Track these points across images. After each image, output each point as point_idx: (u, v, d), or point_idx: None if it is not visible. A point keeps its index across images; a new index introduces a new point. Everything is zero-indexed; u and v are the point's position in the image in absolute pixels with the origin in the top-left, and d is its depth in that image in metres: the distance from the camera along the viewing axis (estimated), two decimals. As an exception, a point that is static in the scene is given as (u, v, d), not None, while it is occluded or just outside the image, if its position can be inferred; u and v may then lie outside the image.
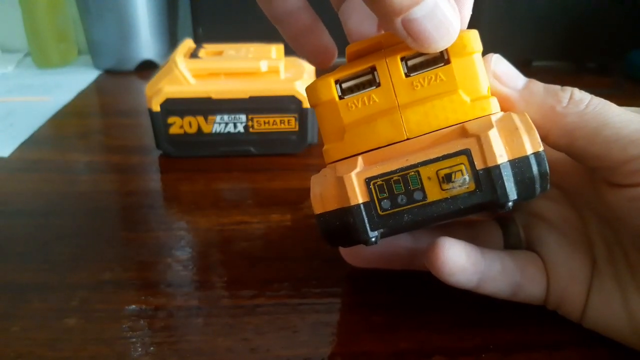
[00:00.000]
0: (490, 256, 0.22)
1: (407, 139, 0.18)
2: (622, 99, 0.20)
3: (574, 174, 0.22)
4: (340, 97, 0.19)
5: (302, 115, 0.38)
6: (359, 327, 0.23)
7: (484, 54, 0.19)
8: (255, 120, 0.38)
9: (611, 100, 0.19)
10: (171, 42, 0.66)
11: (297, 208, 0.33)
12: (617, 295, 0.21)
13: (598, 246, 0.22)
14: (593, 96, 0.19)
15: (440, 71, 0.18)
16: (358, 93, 0.19)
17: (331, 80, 0.19)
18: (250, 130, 0.39)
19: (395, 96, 0.19)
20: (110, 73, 0.64)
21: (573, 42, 0.59)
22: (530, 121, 0.18)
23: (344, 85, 0.19)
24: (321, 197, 0.19)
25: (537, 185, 0.17)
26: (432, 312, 0.24)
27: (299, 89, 0.38)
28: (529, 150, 0.17)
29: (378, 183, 0.18)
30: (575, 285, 0.22)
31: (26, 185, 0.36)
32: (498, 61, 0.20)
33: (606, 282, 0.21)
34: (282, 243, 0.29)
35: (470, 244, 0.21)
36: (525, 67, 0.21)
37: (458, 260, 0.20)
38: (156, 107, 0.37)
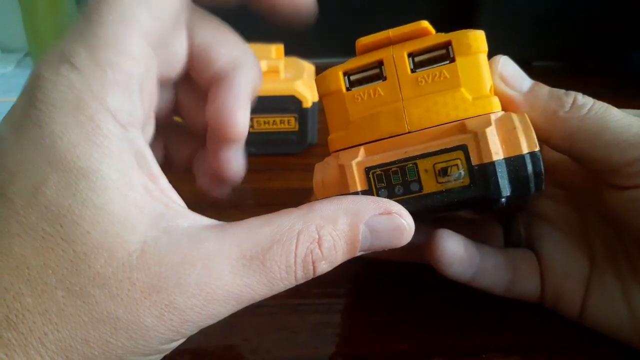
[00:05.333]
0: (485, 251, 0.22)
1: (409, 132, 0.19)
2: (622, 100, 0.20)
3: (577, 174, 0.22)
4: (348, 89, 0.20)
5: (302, 115, 0.38)
6: (359, 327, 0.23)
7: (484, 54, 0.19)
8: (255, 120, 0.38)
9: (611, 101, 0.19)
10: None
11: (297, 208, 0.33)
12: (618, 292, 0.21)
13: (598, 245, 0.22)
14: (596, 101, 0.19)
15: (444, 69, 0.19)
16: (365, 86, 0.19)
17: (339, 72, 0.20)
18: (250, 130, 0.38)
19: (400, 91, 0.19)
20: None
21: (573, 42, 0.59)
22: (529, 121, 0.18)
23: (352, 78, 0.20)
24: (323, 183, 0.20)
25: (532, 184, 0.18)
26: (432, 312, 0.24)
27: (299, 88, 0.37)
28: (525, 149, 0.18)
29: (377, 173, 0.18)
30: (571, 283, 0.22)
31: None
32: (505, 63, 0.20)
33: (607, 279, 0.22)
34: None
35: (467, 239, 0.22)
36: (525, 67, 0.21)
37: (457, 251, 0.21)
38: (156, 107, 0.37)
